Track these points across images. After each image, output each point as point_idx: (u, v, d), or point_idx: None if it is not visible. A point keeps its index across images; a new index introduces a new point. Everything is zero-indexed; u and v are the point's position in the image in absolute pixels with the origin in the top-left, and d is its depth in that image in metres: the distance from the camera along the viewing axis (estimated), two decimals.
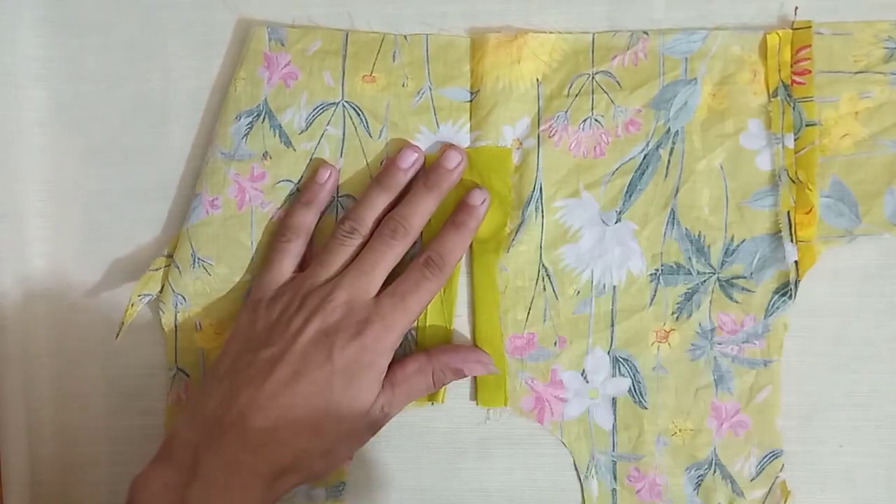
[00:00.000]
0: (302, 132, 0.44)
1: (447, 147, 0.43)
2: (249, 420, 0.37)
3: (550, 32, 0.43)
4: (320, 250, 0.42)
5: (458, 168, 0.42)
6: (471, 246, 0.43)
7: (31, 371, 0.44)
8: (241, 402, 0.37)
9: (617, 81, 0.43)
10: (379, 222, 0.42)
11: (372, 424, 0.40)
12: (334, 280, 0.40)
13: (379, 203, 0.42)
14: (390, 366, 0.40)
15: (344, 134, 0.44)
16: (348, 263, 0.41)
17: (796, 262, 0.42)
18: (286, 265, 0.42)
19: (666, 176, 0.43)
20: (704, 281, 0.43)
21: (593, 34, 0.43)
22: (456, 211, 0.43)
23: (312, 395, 0.38)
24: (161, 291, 0.44)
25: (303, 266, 0.43)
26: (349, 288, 0.40)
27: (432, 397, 0.43)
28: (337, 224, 0.42)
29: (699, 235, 0.43)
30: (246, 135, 0.44)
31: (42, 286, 0.45)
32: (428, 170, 0.43)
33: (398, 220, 0.41)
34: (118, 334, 0.43)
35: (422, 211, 0.42)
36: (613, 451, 0.43)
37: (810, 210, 0.42)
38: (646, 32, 0.43)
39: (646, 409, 0.43)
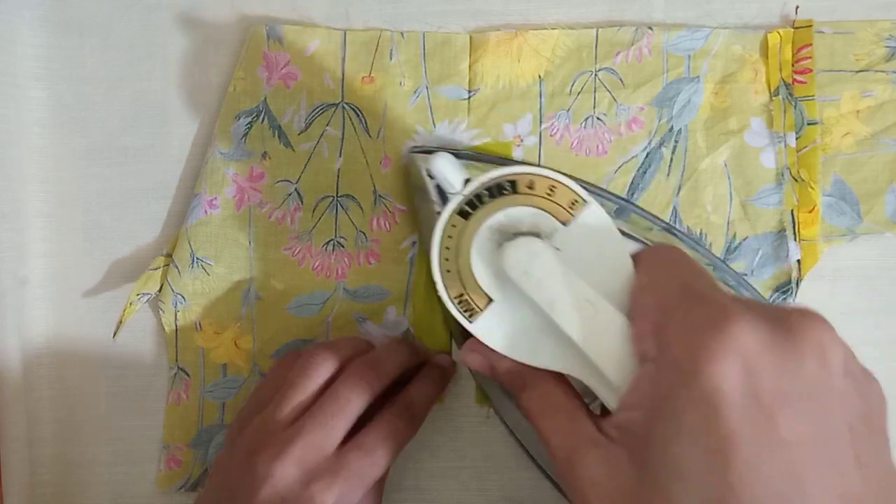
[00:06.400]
0: (301, 132, 0.44)
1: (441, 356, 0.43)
2: None
3: (553, 28, 0.43)
4: (286, 381, 0.39)
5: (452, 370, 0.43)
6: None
7: (30, 371, 0.44)
8: None
9: (620, 79, 0.43)
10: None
11: None
12: (292, 429, 0.37)
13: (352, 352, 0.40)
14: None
15: (343, 134, 0.43)
16: (318, 394, 0.38)
17: (798, 260, 0.42)
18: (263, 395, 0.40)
19: (668, 174, 0.43)
20: None
21: (597, 29, 0.43)
22: (427, 367, 0.42)
23: None
24: (160, 291, 0.44)
25: None
26: (303, 445, 0.36)
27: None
28: (306, 352, 0.40)
29: (701, 234, 0.42)
30: (245, 135, 0.44)
31: (42, 286, 0.45)
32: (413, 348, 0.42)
33: (369, 363, 0.39)
34: (115, 333, 0.43)
35: (397, 360, 0.40)
36: None
37: (813, 209, 0.42)
38: (650, 28, 0.42)
39: None
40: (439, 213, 0.31)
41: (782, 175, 0.42)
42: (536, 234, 0.30)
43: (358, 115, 0.43)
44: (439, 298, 0.31)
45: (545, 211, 0.30)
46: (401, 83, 0.43)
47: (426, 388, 0.41)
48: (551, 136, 0.43)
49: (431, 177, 0.33)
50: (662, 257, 0.29)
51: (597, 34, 0.43)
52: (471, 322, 0.30)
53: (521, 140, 0.43)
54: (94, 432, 0.45)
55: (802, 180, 0.42)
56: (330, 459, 0.36)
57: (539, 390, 0.30)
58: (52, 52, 0.45)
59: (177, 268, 0.44)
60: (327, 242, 0.44)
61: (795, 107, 0.42)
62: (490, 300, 0.30)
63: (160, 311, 0.44)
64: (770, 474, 0.23)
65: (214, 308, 0.44)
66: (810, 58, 0.42)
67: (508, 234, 0.30)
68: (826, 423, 0.24)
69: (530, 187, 0.30)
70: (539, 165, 0.31)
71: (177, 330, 0.44)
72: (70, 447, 0.45)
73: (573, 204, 0.30)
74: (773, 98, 0.42)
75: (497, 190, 0.30)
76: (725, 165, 0.42)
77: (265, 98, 0.43)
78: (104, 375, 0.45)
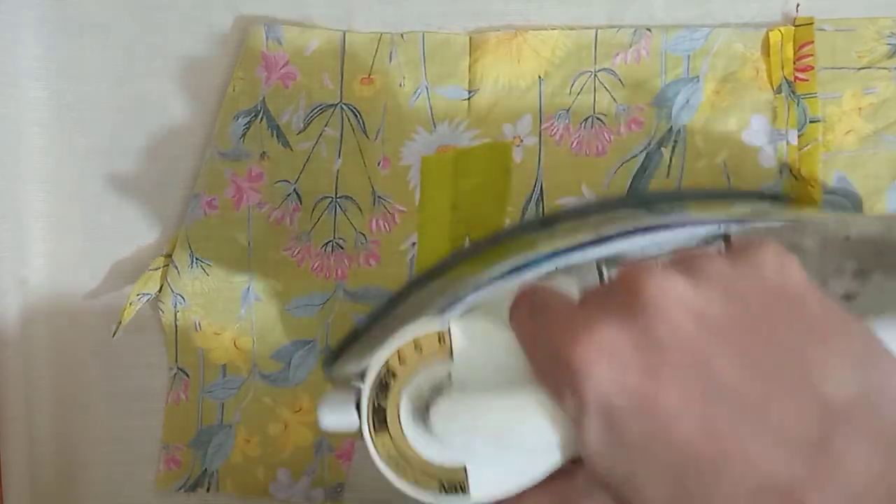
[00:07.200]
0: (300, 132, 0.43)
1: None
2: None
3: (552, 28, 0.43)
4: None
5: None
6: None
7: (31, 371, 0.45)
8: None
9: (619, 79, 0.43)
10: None
11: None
12: None
13: None
14: None
15: (342, 135, 0.43)
16: None
17: None
18: None
19: (668, 175, 0.42)
20: None
21: (596, 30, 0.43)
22: None
23: None
24: (160, 291, 0.44)
25: None
26: None
27: None
28: None
29: None
30: (243, 135, 0.44)
31: (42, 286, 0.45)
32: None
33: None
34: (115, 333, 0.43)
35: None
36: None
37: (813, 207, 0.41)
38: (649, 29, 0.42)
39: None
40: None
41: (780, 174, 0.42)
42: (440, 387, 0.29)
43: (356, 116, 0.43)
44: None
45: (429, 364, 0.29)
46: (401, 84, 0.43)
47: None
48: (551, 136, 0.43)
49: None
50: (515, 314, 0.29)
51: (596, 35, 0.43)
52: (468, 495, 0.30)
53: (521, 140, 0.43)
54: (94, 432, 0.45)
55: (803, 178, 0.41)
56: None
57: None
58: (52, 52, 0.45)
59: (176, 268, 0.44)
60: (326, 243, 0.44)
61: (798, 104, 0.42)
62: (464, 466, 0.29)
63: (160, 312, 0.44)
64: (692, 426, 0.23)
65: (214, 308, 0.44)
66: (812, 55, 0.41)
67: (424, 406, 0.29)
68: (711, 357, 0.23)
69: (402, 362, 0.30)
70: (391, 338, 0.30)
71: (176, 330, 0.44)
72: (70, 448, 0.45)
73: (441, 338, 0.29)
74: (776, 96, 0.42)
75: (383, 387, 0.30)
76: (724, 164, 0.42)
77: (263, 98, 0.43)
78: (104, 375, 0.45)
